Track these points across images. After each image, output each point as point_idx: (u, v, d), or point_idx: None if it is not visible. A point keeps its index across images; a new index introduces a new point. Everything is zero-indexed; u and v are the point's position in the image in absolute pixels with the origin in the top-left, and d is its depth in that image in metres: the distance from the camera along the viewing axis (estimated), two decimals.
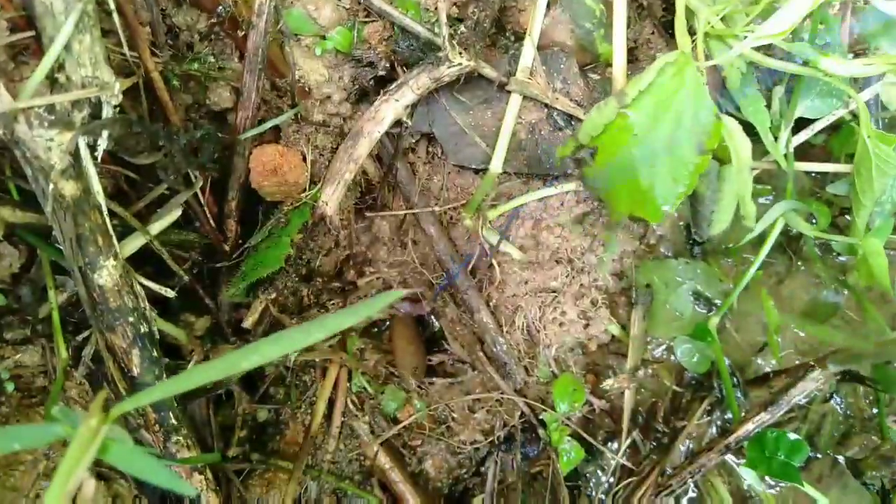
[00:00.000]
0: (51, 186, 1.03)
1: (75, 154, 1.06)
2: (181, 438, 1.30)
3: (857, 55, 1.60)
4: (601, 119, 1.18)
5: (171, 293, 1.43)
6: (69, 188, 1.05)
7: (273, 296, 1.54)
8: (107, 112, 1.08)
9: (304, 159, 1.52)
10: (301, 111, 1.51)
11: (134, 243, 1.30)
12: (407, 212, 1.58)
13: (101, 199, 1.12)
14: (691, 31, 1.54)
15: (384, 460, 1.61)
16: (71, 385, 1.34)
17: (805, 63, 1.33)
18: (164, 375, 1.26)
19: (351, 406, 1.61)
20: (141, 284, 1.25)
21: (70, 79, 1.03)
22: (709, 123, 1.15)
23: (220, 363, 0.60)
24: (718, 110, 1.56)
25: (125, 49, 1.28)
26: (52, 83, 1.05)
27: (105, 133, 1.10)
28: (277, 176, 1.47)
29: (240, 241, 1.55)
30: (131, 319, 1.17)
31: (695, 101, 1.16)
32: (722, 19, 1.37)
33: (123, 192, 1.41)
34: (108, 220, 1.14)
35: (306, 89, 1.50)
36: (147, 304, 1.22)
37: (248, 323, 1.54)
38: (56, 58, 1.02)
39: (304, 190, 1.51)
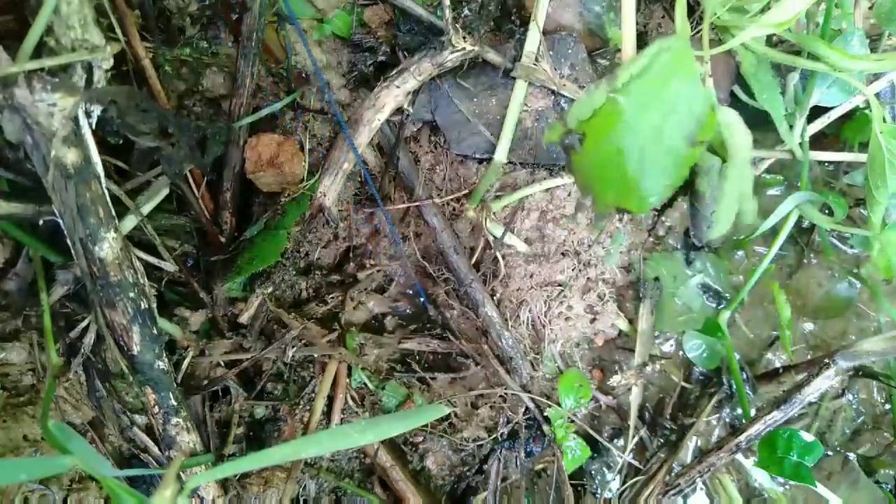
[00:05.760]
0: (52, 153, 0.99)
1: (75, 122, 1.01)
2: (181, 420, 1.26)
3: (873, 40, 1.55)
4: (590, 103, 1.12)
5: (170, 267, 1.39)
6: (71, 156, 1.01)
7: (270, 290, 1.50)
8: (98, 77, 1.03)
9: (302, 148, 1.47)
10: (298, 98, 1.46)
11: (126, 225, 1.26)
12: (409, 204, 1.53)
13: (100, 169, 1.08)
14: (698, 20, 1.50)
15: (385, 458, 1.57)
16: (57, 382, 1.29)
17: (815, 57, 1.28)
18: (164, 354, 1.22)
19: (350, 402, 1.56)
20: (140, 259, 1.20)
21: (60, 42, 0.98)
22: (703, 114, 1.09)
23: (278, 451, 0.58)
24: (731, 98, 1.53)
25: (118, 33, 1.23)
26: (42, 48, 1.00)
27: (107, 100, 1.05)
28: (274, 166, 1.42)
29: (236, 234, 1.50)
30: (132, 295, 1.14)
31: (690, 89, 1.10)
32: (733, 7, 1.31)
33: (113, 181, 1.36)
34: (106, 191, 1.10)
35: (303, 75, 1.45)
36: (146, 280, 1.18)
37: (244, 318, 1.49)
38: (47, 18, 0.96)
39: (302, 180, 1.47)
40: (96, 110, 1.05)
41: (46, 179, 1.02)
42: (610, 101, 1.11)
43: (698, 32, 1.51)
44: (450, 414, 1.62)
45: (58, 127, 0.98)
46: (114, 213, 1.11)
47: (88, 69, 1.03)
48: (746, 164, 1.26)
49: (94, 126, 1.07)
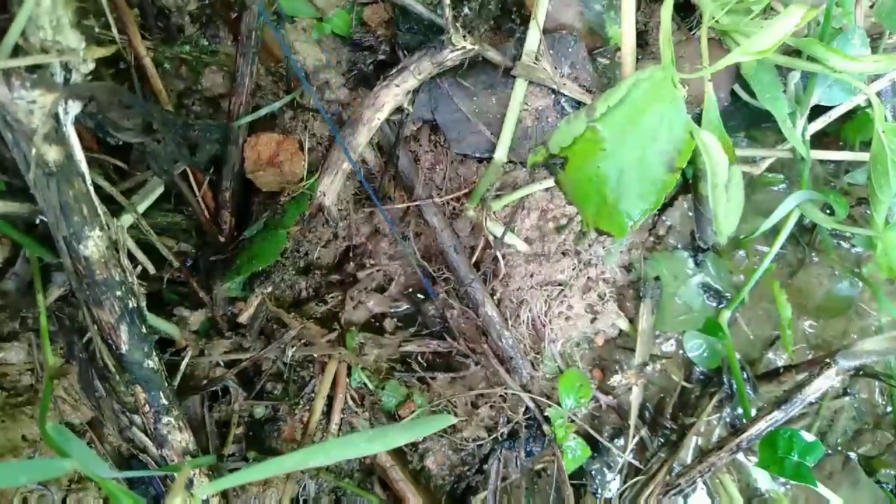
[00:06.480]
0: (33, 151, 0.98)
1: (56, 119, 1.00)
2: (172, 420, 1.25)
3: (874, 38, 1.55)
4: (570, 132, 1.16)
5: (152, 267, 1.37)
6: (53, 153, 1.00)
7: (269, 290, 1.49)
8: (75, 79, 1.02)
9: (302, 148, 1.47)
10: (297, 97, 1.45)
11: (121, 223, 1.25)
12: (408, 203, 1.53)
13: (83, 166, 1.06)
14: (696, 23, 1.49)
15: (385, 458, 1.57)
16: (56, 382, 1.29)
17: (815, 60, 1.28)
18: (154, 353, 1.21)
19: (350, 402, 1.56)
20: (130, 254, 1.19)
21: (28, 41, 0.96)
22: (681, 140, 1.12)
23: (286, 460, 0.59)
24: (732, 97, 1.53)
25: (114, 32, 1.23)
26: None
27: (87, 97, 1.03)
28: (273, 165, 1.42)
29: (235, 234, 1.50)
30: (119, 293, 1.12)
31: (670, 116, 1.12)
32: (732, 10, 1.31)
33: (112, 181, 1.35)
34: (91, 189, 1.08)
35: (303, 74, 1.44)
36: (135, 278, 1.17)
37: (243, 318, 1.49)
38: (25, 19, 0.95)
39: (302, 179, 1.46)
40: (74, 107, 1.04)
41: (29, 178, 1.01)
42: (590, 129, 1.13)
43: (697, 33, 1.51)
44: (450, 414, 1.62)
45: (38, 124, 0.97)
46: (100, 211, 1.09)
47: (67, 69, 1.01)
48: (723, 185, 1.26)
49: (73, 121, 1.05)
